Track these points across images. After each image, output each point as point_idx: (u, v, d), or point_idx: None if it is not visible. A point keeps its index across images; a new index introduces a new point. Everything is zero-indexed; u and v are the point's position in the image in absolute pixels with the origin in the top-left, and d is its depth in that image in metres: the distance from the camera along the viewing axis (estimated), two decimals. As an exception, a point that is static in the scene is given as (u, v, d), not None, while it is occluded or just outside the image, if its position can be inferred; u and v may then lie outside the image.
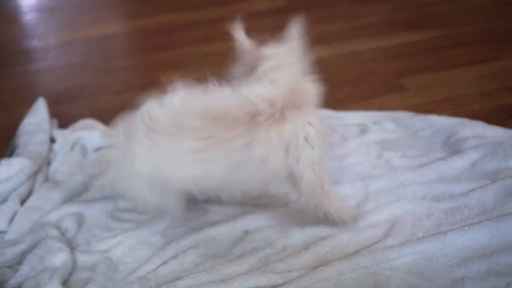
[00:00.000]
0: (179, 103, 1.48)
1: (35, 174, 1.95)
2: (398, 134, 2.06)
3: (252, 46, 1.54)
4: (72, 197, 1.86)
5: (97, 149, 2.10)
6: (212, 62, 2.78)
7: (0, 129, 2.33)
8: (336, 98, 2.35)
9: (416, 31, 2.90)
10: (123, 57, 3.03)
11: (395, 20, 3.07)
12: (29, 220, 1.75)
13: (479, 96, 2.27)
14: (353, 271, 1.46)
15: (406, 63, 2.59)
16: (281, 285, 1.43)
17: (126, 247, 1.64)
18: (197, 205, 1.74)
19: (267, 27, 3.16)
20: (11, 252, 1.60)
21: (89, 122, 2.23)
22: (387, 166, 1.89)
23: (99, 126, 2.22)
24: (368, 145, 2.00)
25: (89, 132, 2.13)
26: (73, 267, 1.58)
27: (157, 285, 1.49)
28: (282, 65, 1.54)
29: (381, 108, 2.24)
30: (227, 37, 2.95)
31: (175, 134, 1.42)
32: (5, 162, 1.94)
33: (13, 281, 1.51)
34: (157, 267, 1.55)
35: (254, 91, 1.46)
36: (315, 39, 2.88)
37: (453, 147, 1.93)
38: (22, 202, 1.84)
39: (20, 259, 1.60)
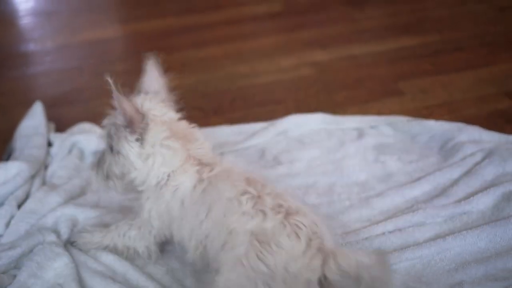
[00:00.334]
0: None
1: (32, 177, 1.94)
2: (395, 139, 2.06)
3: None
4: (69, 201, 1.85)
5: (95, 153, 2.09)
6: (206, 67, 2.79)
7: (-6, 131, 2.33)
8: (335, 101, 2.35)
9: (414, 36, 2.90)
10: (120, 60, 3.02)
11: (394, 24, 3.08)
12: (26, 224, 1.74)
13: (477, 100, 2.27)
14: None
15: (404, 67, 2.60)
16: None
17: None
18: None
19: (265, 31, 3.18)
20: (7, 256, 1.59)
21: (86, 125, 2.23)
22: (384, 170, 1.89)
23: (97, 129, 2.21)
24: (366, 149, 2.01)
25: (86, 136, 2.12)
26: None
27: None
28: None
29: (379, 112, 2.24)
30: (221, 42, 2.97)
31: None
32: (2, 165, 1.93)
33: None
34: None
35: None
36: (313, 43, 2.91)
37: (449, 152, 1.93)
38: (19, 205, 1.83)
39: (16, 263, 1.59)
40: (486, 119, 2.13)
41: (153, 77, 1.61)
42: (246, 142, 2.10)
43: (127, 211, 1.71)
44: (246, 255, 1.25)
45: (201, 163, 1.46)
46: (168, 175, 1.46)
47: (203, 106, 2.42)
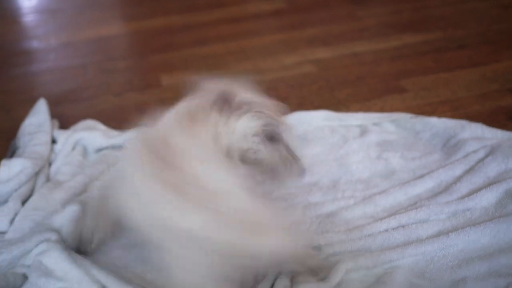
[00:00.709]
0: None
1: (36, 174, 1.94)
2: (398, 136, 2.06)
3: None
4: (73, 198, 1.85)
5: (98, 150, 2.10)
6: (209, 64, 2.80)
7: (0, 130, 2.33)
8: (338, 98, 2.36)
9: (416, 33, 2.91)
10: (123, 58, 3.03)
11: (396, 22, 3.09)
12: (30, 221, 1.74)
13: (479, 97, 2.28)
14: (355, 272, 1.47)
15: (406, 65, 2.60)
16: (290, 286, 1.43)
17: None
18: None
19: (268, 28, 3.19)
20: (10, 253, 1.59)
21: (90, 122, 2.23)
22: (387, 167, 1.90)
23: (101, 126, 2.22)
24: (369, 146, 2.01)
25: (90, 133, 2.13)
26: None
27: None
28: None
29: (382, 109, 2.24)
30: (224, 40, 2.98)
31: None
32: (6, 163, 1.94)
33: None
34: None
35: None
36: (316, 41, 2.92)
37: (452, 149, 1.93)
38: (23, 202, 1.83)
39: (20, 260, 1.59)
40: (489, 116, 2.13)
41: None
42: (250, 138, 2.10)
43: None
44: None
45: None
46: None
47: (207, 104, 2.42)
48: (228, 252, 1.25)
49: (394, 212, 1.68)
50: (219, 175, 1.32)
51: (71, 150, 2.09)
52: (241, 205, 1.29)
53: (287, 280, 1.45)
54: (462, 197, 1.69)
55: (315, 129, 2.14)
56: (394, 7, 3.29)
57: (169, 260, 1.29)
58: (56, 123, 2.27)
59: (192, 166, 1.29)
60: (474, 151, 1.87)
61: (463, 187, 1.73)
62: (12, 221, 1.75)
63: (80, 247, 1.62)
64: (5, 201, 1.83)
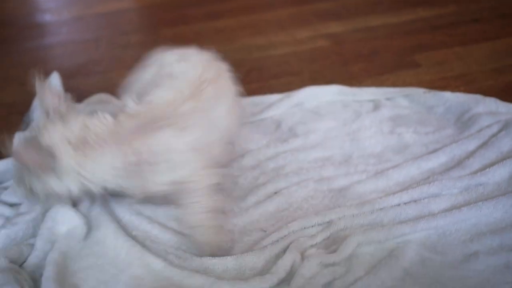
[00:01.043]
0: None
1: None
2: (411, 110, 2.06)
3: None
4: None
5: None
6: (221, 38, 2.79)
7: (12, 104, 2.35)
8: (351, 73, 2.35)
9: (430, 7, 2.89)
10: (135, 32, 3.03)
11: (409, -5, 3.06)
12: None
13: (493, 72, 2.26)
14: (367, 245, 1.48)
15: (419, 39, 2.58)
16: (302, 260, 1.45)
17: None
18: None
19: (280, 2, 3.17)
20: (24, 222, 1.60)
21: (104, 96, 2.24)
22: (400, 142, 1.90)
23: (114, 100, 2.23)
24: (381, 121, 2.01)
25: (103, 106, 2.13)
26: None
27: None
28: None
29: (394, 84, 2.24)
30: (237, 14, 2.96)
31: None
32: (19, 135, 1.96)
33: (32, 259, 1.52)
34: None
35: None
36: (329, 15, 2.90)
37: (466, 124, 1.93)
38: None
39: (33, 230, 1.61)
40: (502, 90, 2.12)
41: (50, 95, 1.53)
42: (262, 113, 2.11)
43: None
44: None
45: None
46: None
47: (219, 78, 2.43)
48: None
49: (406, 187, 1.69)
50: None
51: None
52: None
53: (297, 253, 1.46)
54: (475, 172, 1.69)
55: (327, 104, 2.14)
56: (408, -20, 3.27)
57: None
58: (69, 96, 2.28)
59: None
60: (488, 126, 1.87)
61: (476, 162, 1.73)
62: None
63: None
64: None
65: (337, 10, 2.96)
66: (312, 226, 1.58)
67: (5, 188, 1.81)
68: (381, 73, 2.33)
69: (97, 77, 2.49)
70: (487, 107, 1.98)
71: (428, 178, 1.70)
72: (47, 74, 2.33)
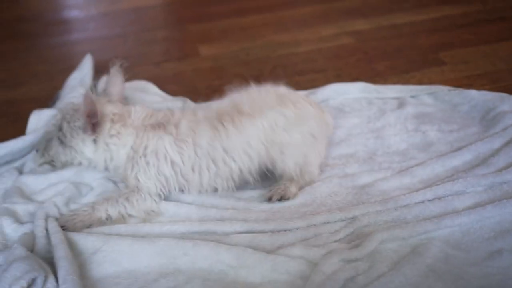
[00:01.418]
0: None
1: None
2: (436, 108, 2.06)
3: None
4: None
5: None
6: (247, 35, 2.80)
7: (38, 98, 2.39)
8: (376, 71, 2.35)
9: (455, 5, 2.88)
10: (161, 28, 3.06)
11: (435, -7, 3.05)
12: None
13: (518, 70, 2.25)
14: (391, 242, 1.48)
15: (445, 37, 2.58)
16: (324, 255, 1.46)
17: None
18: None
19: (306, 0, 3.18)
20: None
21: (142, 83, 2.30)
22: (424, 139, 1.90)
23: (152, 87, 2.29)
24: (406, 118, 2.01)
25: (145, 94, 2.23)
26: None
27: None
28: None
29: (420, 81, 2.24)
30: (262, 11, 2.97)
31: None
32: (36, 112, 2.05)
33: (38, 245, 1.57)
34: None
35: None
36: (354, 12, 2.91)
37: (491, 122, 1.92)
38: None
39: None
40: (528, 89, 2.11)
41: (116, 81, 1.82)
42: (287, 109, 2.12)
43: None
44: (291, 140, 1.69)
45: (155, 124, 1.73)
46: (134, 150, 1.70)
47: (244, 74, 2.44)
48: None
49: (430, 184, 1.69)
50: None
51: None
52: None
53: (322, 250, 1.48)
54: (500, 170, 1.69)
55: (352, 101, 2.15)
56: (434, -22, 3.26)
57: None
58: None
59: None
60: (512, 126, 1.87)
61: (501, 160, 1.73)
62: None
63: None
64: (33, 149, 1.92)
65: (362, 7, 2.96)
66: (335, 221, 1.59)
67: (20, 170, 1.91)
68: (406, 71, 2.33)
69: (124, 72, 2.52)
70: (513, 106, 1.97)
71: (453, 176, 1.70)
72: (72, 70, 2.38)
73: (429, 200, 1.62)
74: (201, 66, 2.55)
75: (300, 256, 1.47)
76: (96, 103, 1.65)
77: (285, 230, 1.57)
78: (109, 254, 1.52)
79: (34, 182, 1.82)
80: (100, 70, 2.48)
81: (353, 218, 1.59)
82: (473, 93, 2.05)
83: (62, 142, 1.74)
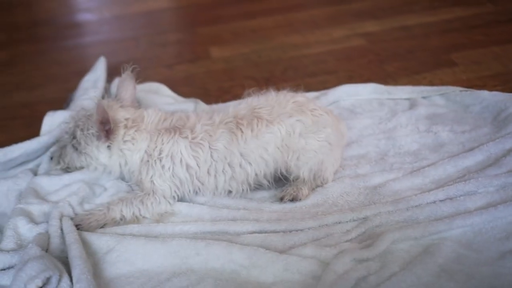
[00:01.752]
0: None
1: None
2: (448, 109, 2.06)
3: None
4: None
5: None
6: (258, 37, 2.82)
7: (52, 100, 2.42)
8: (387, 72, 2.36)
9: (467, 7, 2.87)
10: (173, 31, 3.08)
11: (446, -5, 3.05)
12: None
13: (530, 71, 2.25)
14: (403, 242, 1.49)
15: (456, 38, 2.58)
16: (335, 255, 1.46)
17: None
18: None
19: (316, 2, 3.18)
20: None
21: (154, 85, 2.31)
22: (436, 140, 1.90)
23: (164, 89, 2.30)
24: (418, 119, 2.01)
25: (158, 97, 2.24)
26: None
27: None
28: None
29: (431, 83, 2.24)
30: (273, 13, 2.98)
31: None
32: (50, 114, 2.08)
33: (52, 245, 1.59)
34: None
35: None
36: (365, 14, 2.91)
37: (503, 123, 1.92)
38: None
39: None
40: (540, 90, 2.11)
41: (128, 86, 1.85)
42: (298, 111, 2.13)
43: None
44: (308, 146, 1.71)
45: (170, 128, 1.75)
46: (148, 154, 1.73)
47: (255, 76, 2.46)
48: None
49: (442, 184, 1.69)
50: None
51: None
52: None
53: (334, 249, 1.49)
54: (511, 170, 1.69)
55: (363, 102, 2.16)
56: (445, -20, 3.25)
57: None
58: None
59: None
60: (525, 127, 1.86)
61: (512, 162, 1.73)
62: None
63: None
64: (47, 150, 1.96)
65: (373, 9, 2.96)
66: (347, 221, 1.60)
67: (34, 171, 1.93)
68: (418, 72, 2.33)
69: (137, 75, 2.54)
70: (525, 107, 1.97)
71: (464, 176, 1.70)
72: (86, 72, 2.40)
73: (440, 201, 1.62)
74: (213, 68, 2.57)
75: (312, 256, 1.48)
76: (108, 111, 1.67)
77: (296, 230, 1.58)
78: (122, 253, 1.53)
79: (48, 183, 1.83)
80: (113, 72, 2.50)
81: (365, 218, 1.60)
82: (485, 94, 2.05)
83: (76, 149, 1.78)
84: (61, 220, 1.64)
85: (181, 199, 1.76)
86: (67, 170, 1.85)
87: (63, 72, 2.68)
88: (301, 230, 1.58)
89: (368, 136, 1.97)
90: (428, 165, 1.77)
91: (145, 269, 1.50)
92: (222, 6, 3.26)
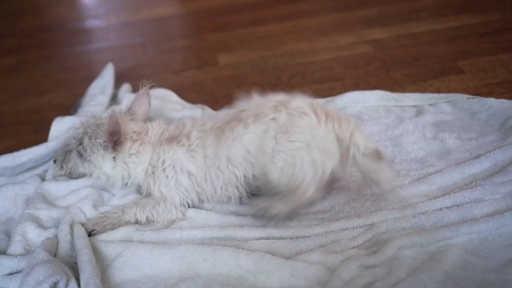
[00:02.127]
0: None
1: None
2: (454, 116, 2.06)
3: None
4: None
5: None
6: (265, 43, 2.82)
7: (60, 106, 2.43)
8: (394, 79, 2.36)
9: (474, 14, 2.87)
10: (181, 37, 3.09)
11: (454, 2, 3.04)
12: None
13: (537, 79, 2.25)
14: (410, 249, 1.49)
15: (464, 46, 2.58)
16: (342, 261, 1.47)
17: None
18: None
19: (324, 9, 3.19)
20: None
21: (161, 91, 2.33)
22: (443, 147, 1.90)
23: (172, 95, 2.31)
24: (424, 126, 2.02)
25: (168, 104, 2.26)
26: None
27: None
28: None
29: (438, 90, 2.24)
30: (281, 20, 2.99)
31: None
32: (59, 119, 2.09)
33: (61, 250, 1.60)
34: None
35: None
36: (372, 21, 2.92)
37: (509, 130, 1.92)
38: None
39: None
40: (547, 97, 2.11)
41: (143, 102, 1.86)
42: (305, 117, 2.13)
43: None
44: (278, 147, 1.59)
45: (169, 138, 1.77)
46: (152, 166, 1.75)
47: (263, 82, 2.47)
48: None
49: (449, 191, 1.69)
50: None
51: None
52: None
53: (340, 256, 1.49)
54: (519, 179, 1.69)
55: (370, 109, 2.16)
56: (452, -13, 3.26)
57: None
58: (128, 87, 2.36)
59: None
60: (531, 134, 1.86)
61: (520, 169, 1.73)
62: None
63: None
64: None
65: (381, 16, 2.97)
66: (354, 228, 1.60)
67: (42, 177, 1.94)
68: (425, 79, 2.33)
69: (145, 81, 2.55)
70: (532, 114, 1.97)
71: (471, 183, 1.71)
72: (94, 78, 2.42)
73: (447, 208, 1.62)
74: (220, 75, 2.58)
75: (319, 262, 1.48)
76: (120, 124, 1.70)
77: (303, 237, 1.59)
78: (129, 259, 1.54)
79: (56, 189, 1.85)
80: (120, 78, 2.52)
81: (371, 225, 1.60)
82: (492, 101, 2.05)
83: (81, 156, 1.79)
84: (71, 225, 1.65)
85: (192, 206, 1.77)
86: (70, 176, 1.87)
87: (71, 78, 2.70)
88: (308, 236, 1.59)
89: (375, 143, 1.97)
90: (435, 172, 1.77)
91: (152, 275, 1.51)
92: (231, 13, 3.27)
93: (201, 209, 1.74)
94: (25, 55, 2.98)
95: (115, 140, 1.72)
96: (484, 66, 2.39)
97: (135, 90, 2.35)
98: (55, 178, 1.89)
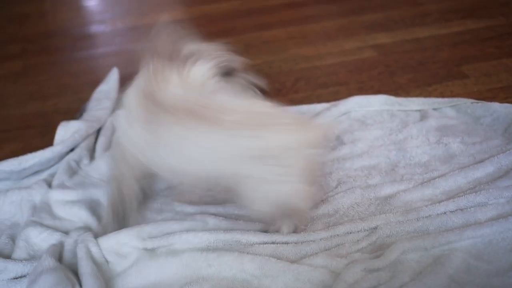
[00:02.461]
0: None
1: (93, 135, 2.14)
2: (458, 121, 2.06)
3: None
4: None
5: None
6: (269, 48, 2.83)
7: (65, 110, 2.44)
8: (398, 83, 2.37)
9: (478, 19, 2.87)
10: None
11: (458, 7, 3.05)
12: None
13: (542, 83, 2.25)
14: (413, 252, 1.50)
15: (468, 51, 2.58)
16: (346, 265, 1.47)
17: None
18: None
19: (328, 14, 3.20)
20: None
21: None
22: (447, 152, 1.91)
23: None
24: (428, 130, 2.02)
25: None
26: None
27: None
28: None
29: (442, 94, 2.25)
30: (285, 25, 3.00)
31: None
32: (64, 123, 2.11)
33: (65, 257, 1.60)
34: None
35: None
36: (377, 26, 2.92)
37: (514, 135, 1.93)
38: (79, 160, 2.03)
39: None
40: (551, 102, 2.11)
41: None
42: (309, 122, 2.14)
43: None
44: None
45: None
46: None
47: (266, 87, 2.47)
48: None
49: (453, 196, 1.70)
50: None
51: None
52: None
53: (345, 260, 1.49)
54: (524, 183, 1.69)
55: (374, 113, 2.16)
56: (456, -8, 3.26)
57: None
58: None
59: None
60: (536, 139, 1.87)
61: (524, 173, 1.73)
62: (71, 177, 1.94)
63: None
64: (60, 159, 2.01)
65: (385, 21, 2.97)
66: (358, 231, 1.61)
67: (48, 182, 1.93)
68: (429, 84, 2.34)
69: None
70: (536, 118, 1.97)
71: (475, 188, 1.71)
72: (98, 83, 2.43)
73: (451, 211, 1.62)
74: (225, 80, 2.58)
75: (323, 265, 1.49)
76: None
77: (308, 241, 1.59)
78: (134, 267, 1.55)
79: (62, 197, 1.85)
80: (125, 83, 2.53)
81: (375, 228, 1.61)
82: (496, 105, 2.05)
83: None
84: (78, 231, 1.66)
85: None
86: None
87: (76, 83, 2.70)
88: (313, 241, 1.59)
89: (379, 147, 1.98)
90: (439, 176, 1.78)
91: (157, 282, 1.51)
92: (234, 18, 3.28)
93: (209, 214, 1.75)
94: (30, 60, 2.99)
95: None
96: (488, 70, 2.39)
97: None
98: (64, 183, 1.90)
